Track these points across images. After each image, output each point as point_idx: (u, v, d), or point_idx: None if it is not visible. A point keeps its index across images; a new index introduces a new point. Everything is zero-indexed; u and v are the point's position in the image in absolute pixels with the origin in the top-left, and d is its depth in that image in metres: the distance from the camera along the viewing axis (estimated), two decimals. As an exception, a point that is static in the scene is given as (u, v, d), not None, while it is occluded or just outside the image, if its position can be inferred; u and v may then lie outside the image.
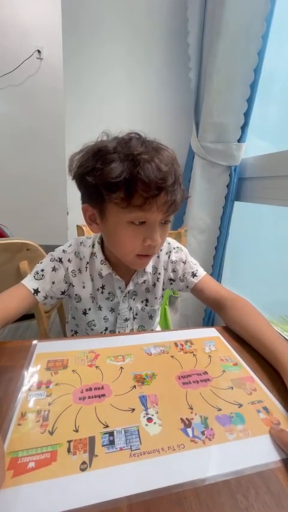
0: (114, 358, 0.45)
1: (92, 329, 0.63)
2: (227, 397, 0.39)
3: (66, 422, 0.33)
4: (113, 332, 0.65)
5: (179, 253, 0.65)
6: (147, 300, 0.65)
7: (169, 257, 0.64)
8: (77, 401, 0.36)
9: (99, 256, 0.58)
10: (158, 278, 0.64)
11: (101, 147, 0.45)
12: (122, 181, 0.42)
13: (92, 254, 0.59)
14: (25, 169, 2.62)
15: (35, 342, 0.48)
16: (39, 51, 2.34)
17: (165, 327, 1.24)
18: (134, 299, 0.64)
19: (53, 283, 0.57)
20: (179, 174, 0.46)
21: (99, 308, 0.62)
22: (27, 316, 0.85)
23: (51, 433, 0.32)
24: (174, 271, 0.65)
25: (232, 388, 0.41)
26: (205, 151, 1.01)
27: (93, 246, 0.60)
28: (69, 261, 0.58)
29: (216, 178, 1.04)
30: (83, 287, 0.60)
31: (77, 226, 0.86)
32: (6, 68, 2.34)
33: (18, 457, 0.29)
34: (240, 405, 0.37)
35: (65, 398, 0.37)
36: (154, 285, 0.64)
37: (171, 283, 0.67)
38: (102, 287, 0.60)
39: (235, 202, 1.08)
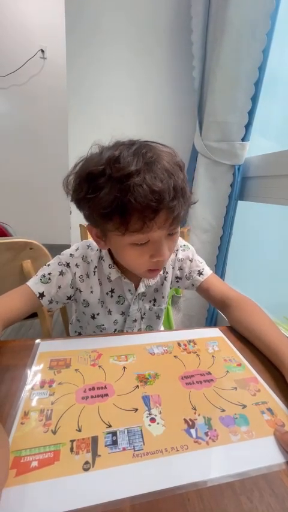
0: (117, 357, 0.45)
1: (101, 331, 0.63)
2: (230, 397, 0.38)
3: (69, 422, 0.33)
4: (121, 332, 0.65)
5: (186, 251, 0.65)
6: (155, 300, 0.65)
7: (176, 255, 0.64)
8: (80, 401, 0.36)
9: (107, 260, 0.57)
10: (166, 277, 0.63)
11: (90, 170, 0.41)
12: (115, 209, 0.39)
13: (100, 258, 0.58)
14: (28, 168, 2.63)
15: (38, 340, 0.48)
16: (42, 51, 2.34)
17: (168, 326, 1.24)
18: (143, 299, 0.64)
19: (59, 287, 0.55)
20: (180, 184, 0.42)
21: (109, 312, 0.61)
22: (30, 315, 0.85)
23: (54, 433, 0.32)
24: (180, 269, 0.65)
25: (236, 388, 0.40)
26: (209, 150, 1.00)
27: (100, 249, 0.59)
28: (76, 265, 0.57)
29: (219, 177, 1.04)
30: (91, 292, 0.59)
31: (80, 225, 0.86)
32: (9, 68, 2.34)
33: (21, 456, 0.29)
34: (244, 406, 0.37)
35: (67, 397, 0.37)
36: (162, 284, 0.64)
37: (177, 281, 0.66)
38: (112, 291, 0.60)
39: (239, 201, 1.07)
